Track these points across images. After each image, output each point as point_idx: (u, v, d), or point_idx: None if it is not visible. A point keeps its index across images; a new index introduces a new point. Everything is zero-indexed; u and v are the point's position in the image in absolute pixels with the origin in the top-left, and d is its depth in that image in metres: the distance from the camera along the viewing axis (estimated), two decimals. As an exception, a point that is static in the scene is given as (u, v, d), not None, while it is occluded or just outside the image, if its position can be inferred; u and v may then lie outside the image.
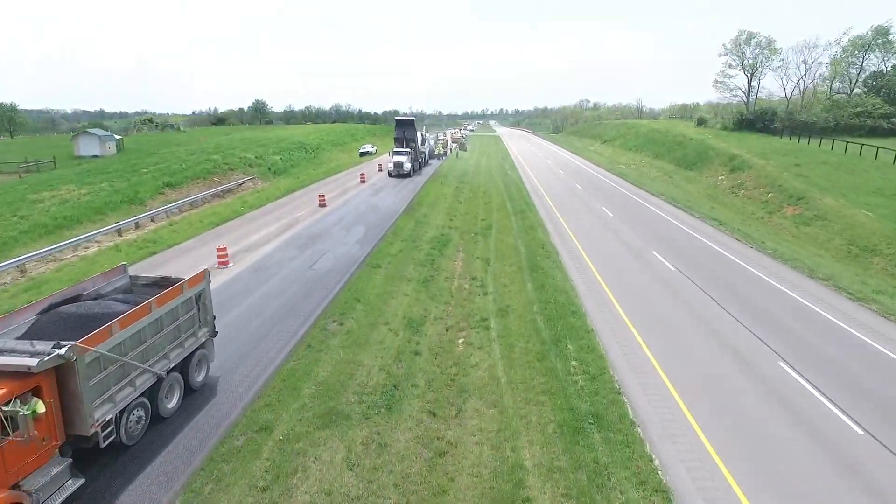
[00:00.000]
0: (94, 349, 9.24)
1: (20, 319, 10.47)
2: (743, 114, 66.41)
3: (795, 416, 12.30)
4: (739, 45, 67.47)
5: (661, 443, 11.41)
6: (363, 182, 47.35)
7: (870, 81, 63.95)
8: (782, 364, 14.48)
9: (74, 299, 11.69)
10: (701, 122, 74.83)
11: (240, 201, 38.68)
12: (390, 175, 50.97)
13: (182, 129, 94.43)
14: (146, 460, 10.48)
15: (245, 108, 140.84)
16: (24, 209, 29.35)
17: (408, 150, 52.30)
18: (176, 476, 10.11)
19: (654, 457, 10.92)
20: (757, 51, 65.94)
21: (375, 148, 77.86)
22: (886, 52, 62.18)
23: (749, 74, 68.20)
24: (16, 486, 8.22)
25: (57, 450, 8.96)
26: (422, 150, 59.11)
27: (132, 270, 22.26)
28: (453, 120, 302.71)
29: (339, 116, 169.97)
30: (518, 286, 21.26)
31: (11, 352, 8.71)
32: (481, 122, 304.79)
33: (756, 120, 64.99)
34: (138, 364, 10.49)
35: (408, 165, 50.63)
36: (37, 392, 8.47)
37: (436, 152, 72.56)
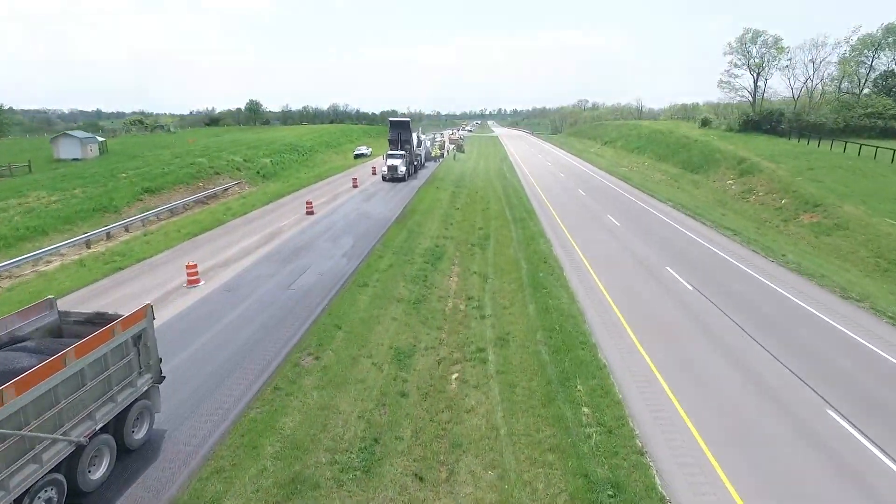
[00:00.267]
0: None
1: None
2: (749, 114, 64.36)
3: (855, 480, 10.20)
4: (745, 43, 65.45)
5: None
6: (355, 187, 45.21)
7: (880, 81, 61.94)
8: (832, 413, 12.37)
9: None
10: (705, 124, 72.83)
11: (223, 208, 36.51)
12: (384, 179, 48.82)
13: (172, 130, 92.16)
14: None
15: (241, 109, 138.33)
16: (-17, 219, 27.19)
17: (402, 152, 50.16)
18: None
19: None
20: (763, 50, 63.87)
21: (370, 150, 75.74)
22: (897, 50, 60.24)
23: (755, 74, 66.16)
24: None
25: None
26: (417, 152, 57.00)
27: (90, 290, 20.31)
28: (451, 120, 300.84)
29: (337, 116, 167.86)
30: (519, 308, 19.14)
31: None
32: (479, 122, 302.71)
33: (762, 121, 62.94)
34: (46, 435, 8.35)
35: (402, 169, 48.48)
36: None
37: (432, 154, 70.41)
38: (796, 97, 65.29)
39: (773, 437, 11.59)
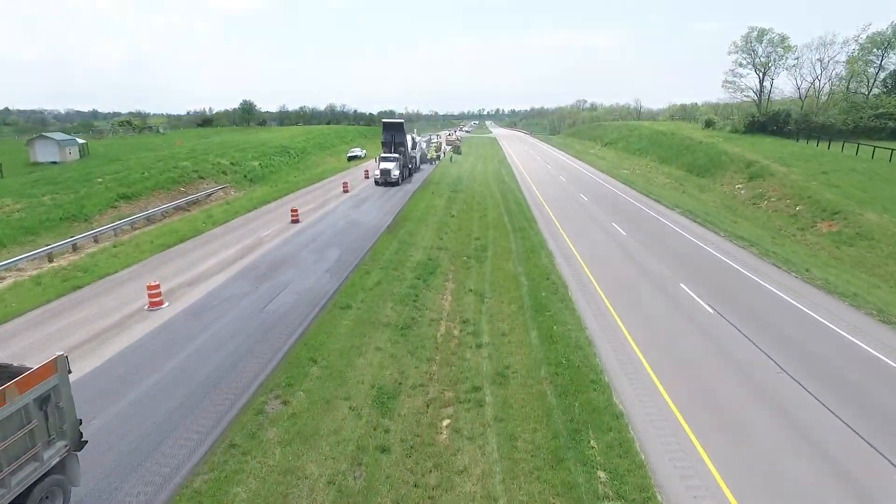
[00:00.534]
0: None
1: None
2: (754, 115, 62.37)
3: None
4: (750, 42, 63.48)
5: None
6: (346, 191, 43.03)
7: (889, 81, 59.99)
8: (899, 478, 10.26)
9: None
10: (709, 125, 70.85)
11: (204, 215, 34.32)
12: (377, 183, 46.65)
13: (162, 131, 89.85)
14: None
15: (250, 108, 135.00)
16: (-65, 231, 24.99)
17: (396, 155, 48.00)
18: None
19: None
20: (769, 48, 61.89)
21: (365, 152, 73.56)
22: (908, 49, 58.30)
23: (761, 73, 64.17)
24: None
25: None
26: (412, 154, 54.86)
27: (38, 314, 18.09)
28: (448, 120, 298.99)
29: (334, 117, 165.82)
30: (520, 335, 17.01)
31: None
32: (477, 122, 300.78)
33: (768, 122, 61.00)
34: None
35: (396, 173, 46.33)
36: None
37: (428, 157, 68.25)
38: (803, 97, 63.29)
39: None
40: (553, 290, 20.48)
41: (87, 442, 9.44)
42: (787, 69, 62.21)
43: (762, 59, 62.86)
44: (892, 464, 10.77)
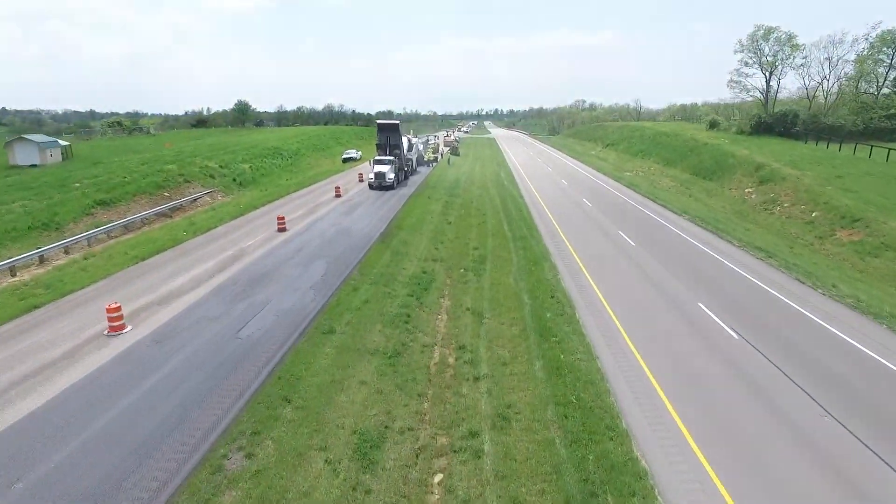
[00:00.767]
0: None
1: None
2: (761, 116, 60.59)
3: None
4: (756, 41, 61.68)
5: None
6: (338, 196, 41.13)
7: (900, 81, 58.29)
8: None
9: None
10: (713, 126, 69.04)
11: (186, 223, 32.42)
12: (371, 187, 44.75)
13: (153, 132, 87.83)
14: None
15: (245, 109, 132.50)
16: None
17: (391, 157, 46.12)
18: None
19: None
20: (776, 47, 60.10)
21: (360, 153, 71.69)
22: (919, 48, 56.51)
23: (767, 73, 62.37)
24: None
25: None
26: (408, 156, 52.95)
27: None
28: (447, 120, 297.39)
29: (332, 117, 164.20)
30: (523, 365, 15.15)
31: None
32: (475, 122, 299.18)
33: (775, 123, 59.25)
34: None
35: (391, 176, 44.43)
36: None
37: (425, 159, 66.37)
38: (811, 97, 61.52)
39: None
40: (559, 311, 18.61)
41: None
42: (794, 69, 60.41)
43: (769, 59, 61.08)
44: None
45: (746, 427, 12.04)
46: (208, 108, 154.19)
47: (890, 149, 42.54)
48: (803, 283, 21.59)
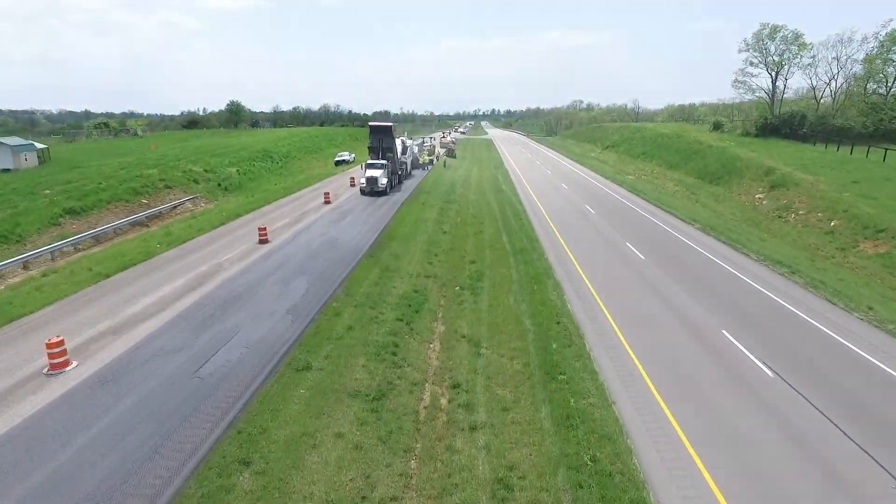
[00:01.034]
0: None
1: None
2: (767, 117, 58.65)
3: None
4: (762, 39, 59.73)
5: None
6: (327, 203, 38.95)
7: (910, 81, 56.39)
8: None
9: None
10: (717, 127, 67.09)
11: (162, 233, 30.21)
12: (363, 193, 42.58)
13: (140, 134, 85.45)
14: None
15: (237, 109, 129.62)
16: None
17: (384, 161, 43.97)
18: None
19: None
20: (783, 46, 58.16)
21: (353, 156, 69.51)
22: (930, 47, 54.67)
23: (773, 73, 60.43)
24: None
25: None
26: (403, 160, 50.82)
27: None
28: (444, 121, 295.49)
29: (328, 117, 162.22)
30: (527, 411, 13.04)
31: None
32: (472, 123, 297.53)
33: (782, 125, 57.31)
34: None
35: (383, 181, 42.27)
36: None
37: (420, 161, 64.20)
38: (819, 98, 59.61)
39: None
40: (566, 341, 16.50)
41: None
42: (801, 68, 58.44)
43: (775, 58, 59.11)
44: None
45: None
46: (204, 109, 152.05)
47: (906, 152, 40.65)
48: (834, 304, 19.52)
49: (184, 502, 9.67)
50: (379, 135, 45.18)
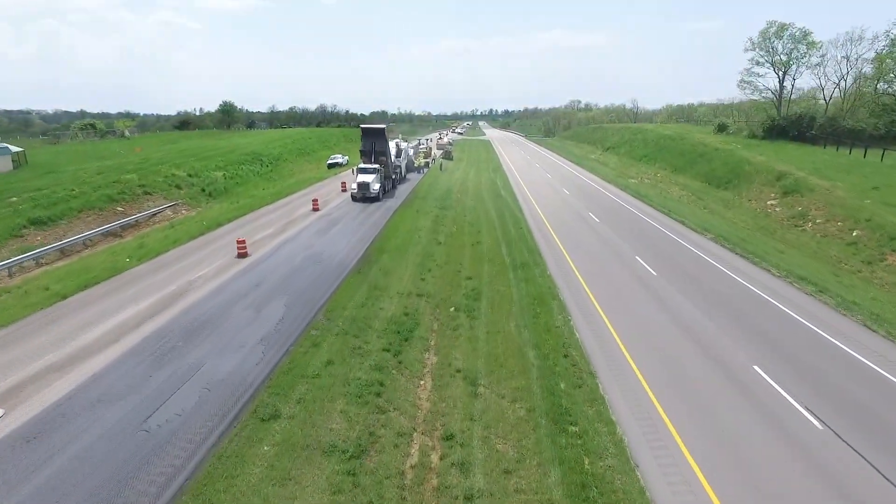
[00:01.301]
0: None
1: None
2: (774, 119, 56.69)
3: None
4: (768, 38, 57.75)
5: None
6: (316, 210, 36.78)
7: (921, 81, 54.44)
8: None
9: None
10: (721, 129, 65.07)
11: (136, 244, 28.05)
12: (354, 199, 40.42)
13: (128, 135, 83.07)
14: None
15: (230, 110, 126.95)
16: None
17: (376, 166, 41.81)
18: None
19: None
20: (790, 45, 56.18)
21: (347, 158, 67.33)
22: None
23: (781, 73, 58.45)
24: None
25: None
26: (397, 163, 48.69)
27: None
28: (442, 121, 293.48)
29: (325, 118, 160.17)
30: (533, 475, 10.92)
31: None
32: (470, 123, 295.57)
33: (790, 126, 55.32)
34: None
35: (375, 187, 40.13)
36: None
37: (416, 164, 62.04)
38: (828, 99, 57.67)
39: None
40: (576, 379, 14.40)
41: None
42: (809, 68, 56.46)
43: (782, 57, 57.13)
44: None
45: None
46: (201, 109, 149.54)
47: (923, 156, 38.70)
48: (874, 331, 17.45)
49: None
50: (371, 138, 43.01)
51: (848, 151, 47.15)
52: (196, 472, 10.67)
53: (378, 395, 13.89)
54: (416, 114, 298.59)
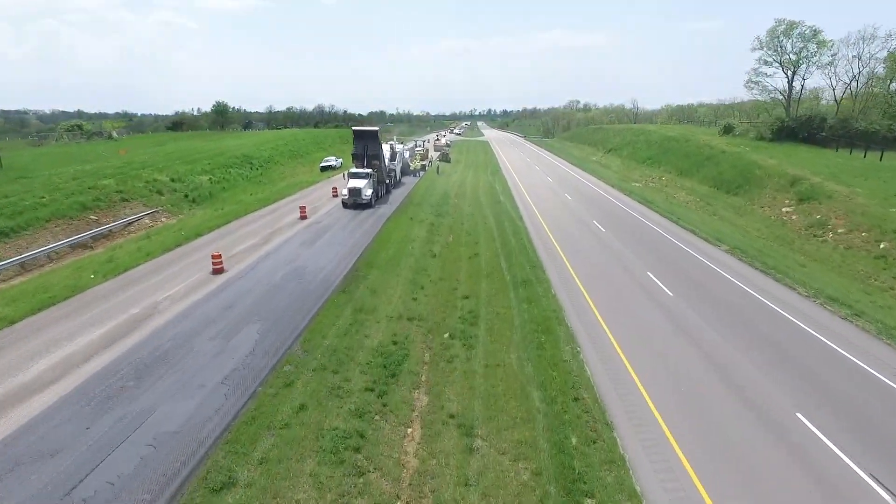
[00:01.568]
0: None
1: None
2: (783, 120, 54.65)
3: None
4: (776, 37, 55.70)
5: None
6: (303, 218, 34.62)
7: (935, 81, 52.49)
8: None
9: None
10: (727, 130, 63.00)
11: (105, 257, 25.89)
12: (345, 206, 38.28)
13: (116, 136, 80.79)
14: None
15: (223, 110, 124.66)
16: None
17: (368, 171, 39.67)
18: None
19: None
20: (800, 44, 54.13)
21: (341, 161, 65.15)
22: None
23: (790, 73, 56.41)
24: None
25: None
26: (391, 167, 46.57)
27: None
28: (440, 121, 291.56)
29: (323, 118, 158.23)
30: (542, 571, 8.77)
31: None
32: (468, 123, 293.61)
33: (800, 128, 53.30)
34: None
35: (367, 192, 38.01)
36: None
37: (411, 168, 59.89)
38: (838, 99, 55.61)
39: None
40: (589, 433, 12.26)
41: None
42: (820, 67, 54.41)
43: (791, 57, 55.08)
44: None
45: None
46: (199, 109, 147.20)
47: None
48: (926, 366, 15.35)
49: None
50: (364, 140, 40.84)
51: (862, 154, 45.17)
52: (121, 568, 8.54)
53: (357, 449, 11.77)
54: (415, 114, 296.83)
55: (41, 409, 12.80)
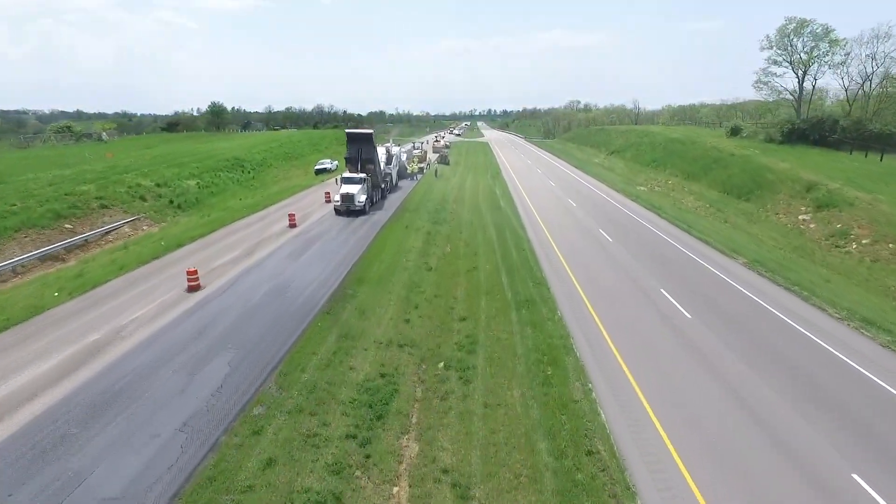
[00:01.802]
0: None
1: None
2: (794, 122, 52.76)
3: None
4: (787, 36, 53.81)
5: None
6: (293, 226, 32.70)
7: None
8: None
9: None
10: (735, 132, 61.11)
11: (75, 272, 23.99)
12: (337, 212, 36.37)
13: (106, 138, 78.90)
14: None
15: (220, 111, 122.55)
16: None
17: (362, 176, 37.77)
18: None
19: None
20: (811, 43, 52.23)
21: (336, 163, 63.27)
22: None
23: (800, 73, 54.52)
24: None
25: None
26: (387, 171, 44.68)
27: None
28: (440, 121, 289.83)
29: (322, 118, 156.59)
30: None
31: None
32: (468, 123, 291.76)
33: (811, 130, 51.41)
34: None
35: (361, 198, 36.11)
36: None
37: (409, 171, 57.97)
38: (851, 100, 53.71)
39: None
40: (608, 502, 10.32)
41: None
42: (832, 67, 52.51)
43: (802, 56, 53.17)
44: None
45: None
46: (198, 109, 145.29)
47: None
48: None
49: None
50: (358, 144, 38.94)
51: (879, 158, 43.28)
52: None
53: (331, 521, 9.85)
54: (415, 114, 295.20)
55: (-38, 466, 10.89)
